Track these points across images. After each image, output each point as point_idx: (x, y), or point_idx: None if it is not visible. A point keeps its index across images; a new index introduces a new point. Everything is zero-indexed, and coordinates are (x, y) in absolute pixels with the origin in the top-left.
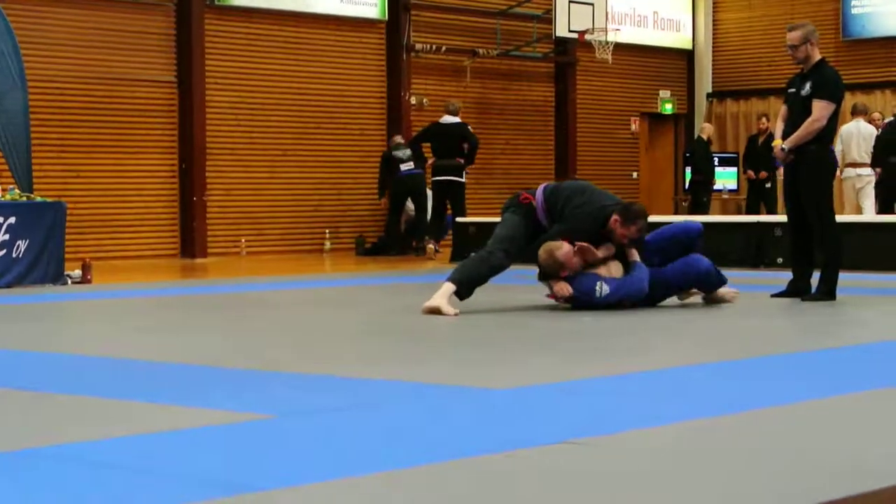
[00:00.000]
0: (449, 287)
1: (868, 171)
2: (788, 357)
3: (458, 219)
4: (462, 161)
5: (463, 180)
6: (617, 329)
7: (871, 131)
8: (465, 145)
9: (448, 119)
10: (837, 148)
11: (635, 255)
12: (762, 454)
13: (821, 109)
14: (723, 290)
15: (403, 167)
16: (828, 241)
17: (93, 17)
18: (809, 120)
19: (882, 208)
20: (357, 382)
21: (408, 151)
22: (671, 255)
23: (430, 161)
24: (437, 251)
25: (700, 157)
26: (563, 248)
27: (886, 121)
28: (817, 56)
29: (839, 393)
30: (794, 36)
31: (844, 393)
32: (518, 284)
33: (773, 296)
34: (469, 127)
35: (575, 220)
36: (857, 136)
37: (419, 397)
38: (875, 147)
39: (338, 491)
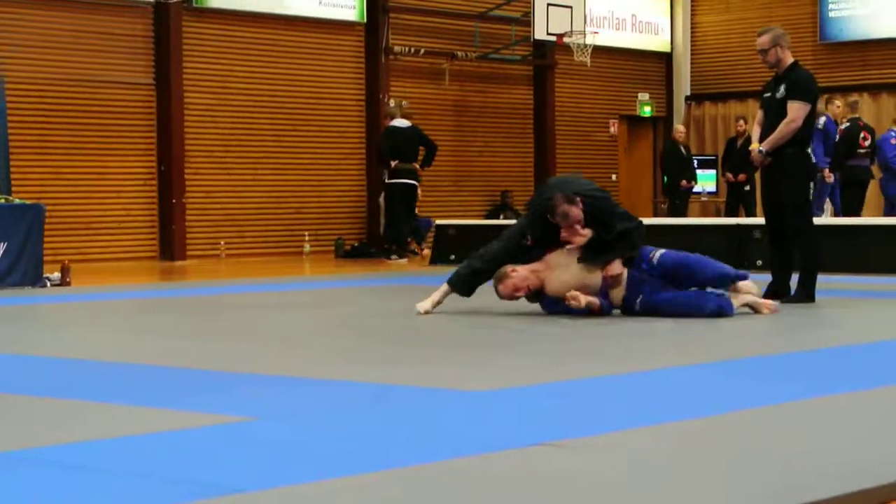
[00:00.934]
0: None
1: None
2: (767, 359)
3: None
4: (417, 166)
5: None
6: (596, 331)
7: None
8: (421, 149)
9: (403, 123)
10: None
11: (615, 270)
12: (742, 455)
13: (796, 110)
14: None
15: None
16: (806, 243)
17: (71, 19)
18: (785, 121)
19: (845, 212)
20: (337, 385)
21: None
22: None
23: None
24: (416, 254)
25: (669, 160)
26: (504, 283)
27: (843, 126)
28: (789, 59)
29: (818, 394)
30: (763, 40)
31: (823, 394)
32: None
33: None
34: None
35: (525, 215)
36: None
37: (397, 399)
38: (835, 151)
39: (317, 493)
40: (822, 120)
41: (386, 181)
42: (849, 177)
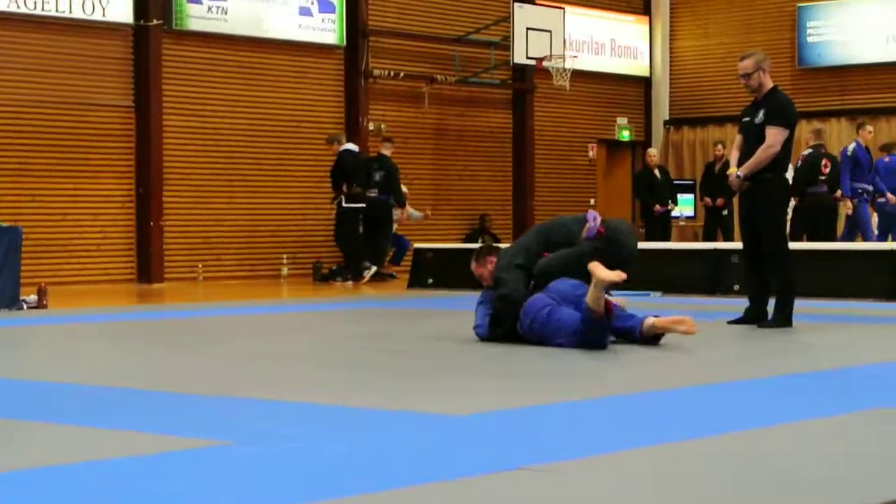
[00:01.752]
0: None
1: None
2: (743, 384)
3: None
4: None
5: None
6: (571, 357)
7: None
8: (378, 175)
9: (355, 147)
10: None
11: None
12: (720, 479)
13: (774, 136)
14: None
15: (369, 192)
16: (781, 268)
17: (50, 42)
18: (763, 146)
19: (796, 237)
20: (313, 409)
21: (377, 175)
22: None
23: (345, 189)
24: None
25: (642, 185)
26: (481, 263)
27: (805, 152)
28: (769, 84)
29: (791, 419)
30: (745, 64)
31: (800, 419)
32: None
33: (729, 322)
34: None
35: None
36: None
37: (375, 424)
38: (795, 177)
39: None
40: (852, 147)
41: (345, 205)
42: (808, 203)
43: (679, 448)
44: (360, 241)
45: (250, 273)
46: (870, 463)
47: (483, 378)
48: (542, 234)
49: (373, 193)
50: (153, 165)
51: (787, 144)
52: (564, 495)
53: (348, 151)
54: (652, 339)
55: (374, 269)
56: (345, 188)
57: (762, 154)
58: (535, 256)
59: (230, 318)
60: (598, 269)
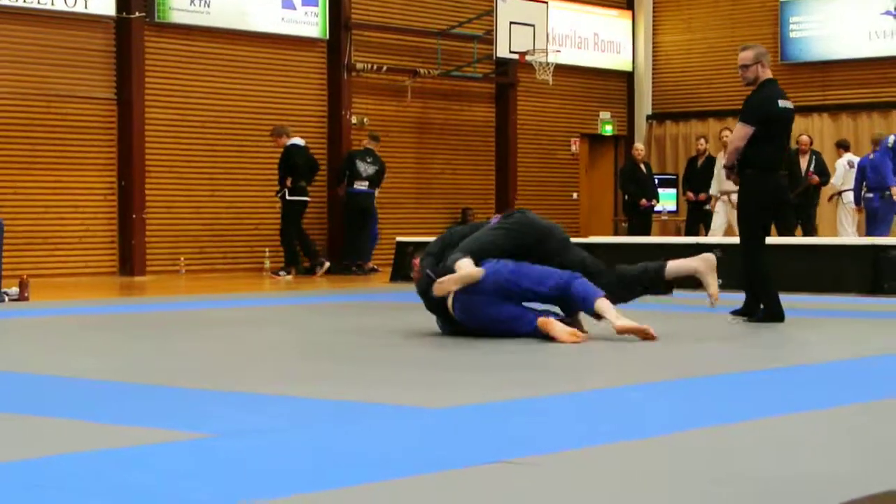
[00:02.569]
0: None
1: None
2: (720, 378)
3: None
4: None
5: None
6: (549, 351)
7: None
8: (372, 168)
9: (301, 141)
10: None
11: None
12: (699, 475)
13: (736, 131)
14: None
15: (358, 185)
16: (749, 267)
17: (32, 33)
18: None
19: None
20: (295, 401)
21: (371, 169)
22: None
23: (288, 183)
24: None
25: (628, 179)
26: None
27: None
28: (763, 78)
29: (777, 413)
30: (745, 55)
31: (782, 413)
32: None
33: (731, 313)
34: None
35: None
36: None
37: (355, 417)
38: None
39: None
40: (892, 138)
41: (289, 198)
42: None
43: (659, 442)
44: (303, 235)
45: (233, 266)
46: (855, 456)
47: (461, 372)
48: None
49: (362, 186)
50: (135, 158)
51: (777, 141)
52: (545, 488)
53: (295, 146)
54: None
55: (327, 264)
56: (289, 182)
57: (728, 149)
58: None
59: (212, 310)
60: (555, 331)
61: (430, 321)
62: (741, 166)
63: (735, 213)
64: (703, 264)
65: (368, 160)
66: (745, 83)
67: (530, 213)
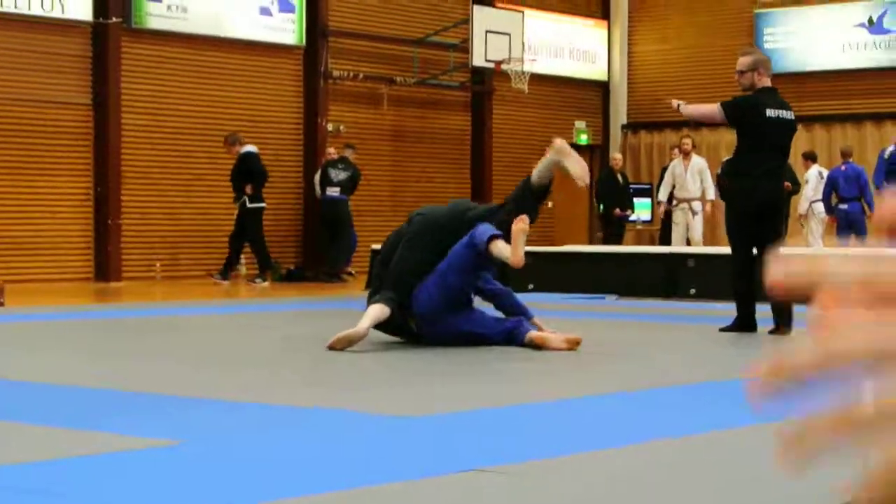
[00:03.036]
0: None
1: (698, 204)
2: (701, 386)
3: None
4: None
5: None
6: (527, 358)
7: (701, 166)
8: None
9: (255, 149)
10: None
11: None
12: (676, 480)
13: (706, 106)
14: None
15: (330, 191)
16: (732, 277)
17: (7, 38)
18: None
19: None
20: (266, 408)
21: (343, 175)
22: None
23: (249, 190)
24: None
25: (605, 188)
26: None
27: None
28: (759, 85)
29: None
30: (742, 61)
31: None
32: None
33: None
34: None
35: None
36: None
37: (329, 423)
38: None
39: None
40: (890, 150)
41: (251, 205)
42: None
43: (639, 450)
44: (263, 242)
45: (208, 272)
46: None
47: (438, 379)
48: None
49: (334, 192)
50: (111, 164)
51: (762, 151)
52: (522, 497)
53: (252, 153)
54: (535, 347)
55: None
56: (249, 189)
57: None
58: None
59: (187, 317)
60: (550, 343)
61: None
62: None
63: (695, 222)
64: (555, 154)
65: (340, 167)
66: (741, 89)
67: (428, 210)
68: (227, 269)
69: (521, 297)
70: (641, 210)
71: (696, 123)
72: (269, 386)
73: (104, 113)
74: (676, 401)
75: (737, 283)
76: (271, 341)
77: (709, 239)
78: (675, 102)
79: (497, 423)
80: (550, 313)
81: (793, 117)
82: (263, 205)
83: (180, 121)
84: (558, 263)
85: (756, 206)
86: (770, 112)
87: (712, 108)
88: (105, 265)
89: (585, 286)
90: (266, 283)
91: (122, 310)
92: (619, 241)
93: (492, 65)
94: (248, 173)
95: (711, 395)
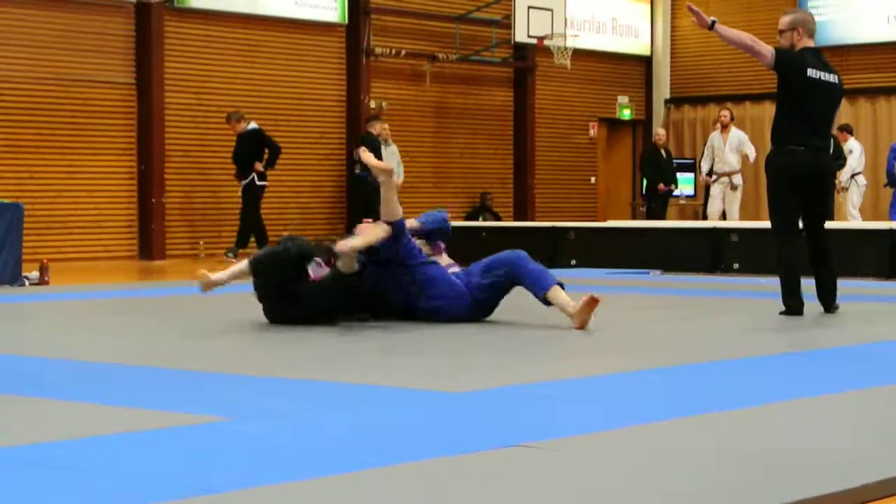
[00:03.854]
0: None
1: (738, 178)
2: (746, 361)
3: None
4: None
5: None
6: (575, 333)
7: (741, 138)
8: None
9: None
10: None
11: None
12: (722, 454)
13: (749, 36)
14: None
15: (362, 171)
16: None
17: (51, 18)
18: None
19: None
20: (312, 385)
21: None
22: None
23: (258, 166)
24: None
25: (649, 163)
26: None
27: None
28: (800, 46)
29: (796, 396)
30: (782, 20)
31: (808, 395)
32: None
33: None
34: None
35: None
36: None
37: (373, 400)
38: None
39: (292, 493)
40: None
41: (259, 183)
42: None
43: (679, 424)
44: (261, 221)
45: (252, 250)
46: (878, 439)
47: (480, 354)
48: None
49: (365, 171)
50: (154, 142)
51: (799, 113)
52: (565, 472)
53: (260, 129)
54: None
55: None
56: (259, 166)
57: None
58: None
59: (231, 294)
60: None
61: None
62: None
63: (733, 196)
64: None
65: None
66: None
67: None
68: (239, 247)
69: (565, 273)
70: (685, 185)
71: (740, 97)
72: (313, 363)
73: (148, 92)
74: (722, 375)
75: (786, 260)
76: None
77: (753, 213)
78: (704, 17)
79: (541, 397)
80: (594, 289)
81: (837, 81)
82: (265, 183)
83: (223, 99)
84: (602, 239)
85: (794, 176)
86: (812, 73)
87: (760, 45)
88: (149, 243)
89: (629, 261)
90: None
91: (166, 287)
92: (662, 216)
93: (534, 40)
94: (260, 149)
95: (757, 369)
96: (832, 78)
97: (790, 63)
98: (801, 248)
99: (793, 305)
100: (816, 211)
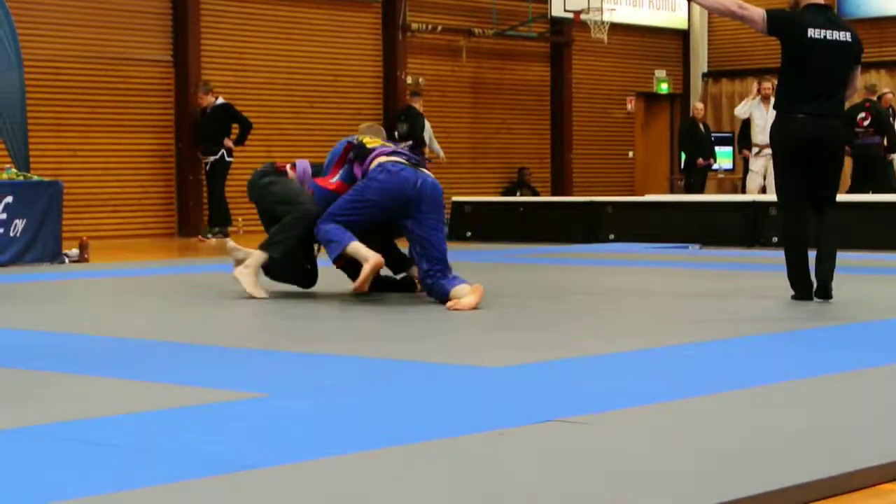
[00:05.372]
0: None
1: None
2: (775, 336)
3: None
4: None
5: None
6: (603, 307)
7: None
8: (404, 126)
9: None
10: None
11: None
12: (757, 431)
13: (753, 8)
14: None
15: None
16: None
17: None
18: None
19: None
20: (348, 361)
21: (404, 127)
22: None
23: (227, 143)
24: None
25: (687, 137)
26: None
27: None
28: (805, 2)
29: (822, 373)
30: None
31: (828, 373)
32: (512, 263)
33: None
34: None
35: None
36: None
37: (410, 375)
38: None
39: (329, 469)
40: None
41: (229, 159)
42: (854, 155)
43: (714, 400)
44: (224, 198)
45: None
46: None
47: (514, 331)
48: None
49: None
50: (192, 120)
51: (802, 76)
52: (599, 446)
53: (230, 104)
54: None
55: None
56: (228, 142)
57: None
58: None
59: None
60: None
61: (480, 281)
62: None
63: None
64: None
65: (402, 118)
66: (787, 7)
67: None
68: (223, 225)
69: (603, 248)
70: (723, 158)
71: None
72: (348, 339)
73: (184, 69)
74: (759, 349)
75: (791, 237)
76: (345, 296)
77: None
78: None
79: (576, 372)
80: (633, 263)
81: (848, 39)
82: (231, 159)
83: (260, 76)
84: (640, 213)
85: (793, 145)
86: (814, 32)
87: (749, 9)
88: (187, 220)
89: (667, 235)
90: (214, 240)
91: (205, 265)
92: (700, 190)
93: (571, 15)
94: (228, 125)
95: (792, 343)
96: (843, 36)
97: (786, 23)
98: (809, 228)
99: (798, 293)
100: (822, 184)
